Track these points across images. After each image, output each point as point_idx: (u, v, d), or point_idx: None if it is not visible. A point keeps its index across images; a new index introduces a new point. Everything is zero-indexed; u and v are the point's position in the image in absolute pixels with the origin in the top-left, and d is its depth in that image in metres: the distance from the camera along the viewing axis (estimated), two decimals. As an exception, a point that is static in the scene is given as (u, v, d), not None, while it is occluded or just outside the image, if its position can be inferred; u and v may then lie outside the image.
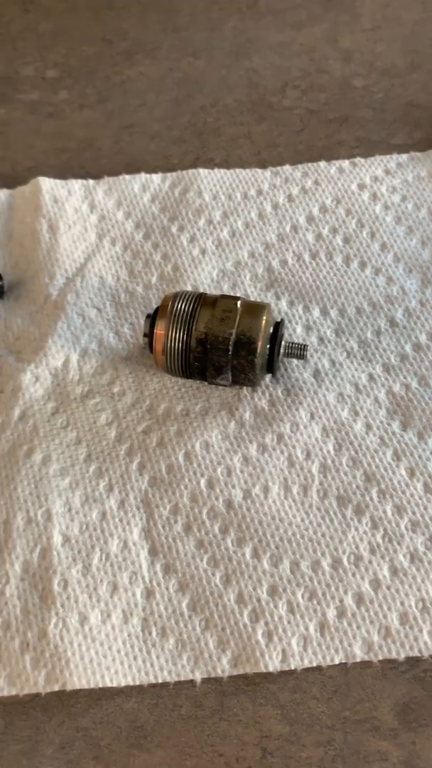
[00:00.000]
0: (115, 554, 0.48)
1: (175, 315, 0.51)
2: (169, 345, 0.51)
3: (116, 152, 0.69)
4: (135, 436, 0.53)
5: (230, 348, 0.50)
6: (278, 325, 0.52)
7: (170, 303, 0.52)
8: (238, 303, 0.51)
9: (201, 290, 0.59)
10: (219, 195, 0.64)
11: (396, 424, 0.52)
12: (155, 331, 0.52)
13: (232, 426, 0.53)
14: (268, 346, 0.51)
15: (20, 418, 0.53)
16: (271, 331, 0.52)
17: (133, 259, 0.61)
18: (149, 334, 0.52)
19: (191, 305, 0.51)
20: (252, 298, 0.58)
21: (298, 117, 0.71)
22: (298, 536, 0.48)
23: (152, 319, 0.52)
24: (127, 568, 0.48)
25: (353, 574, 0.47)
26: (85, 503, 0.50)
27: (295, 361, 0.56)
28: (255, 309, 0.51)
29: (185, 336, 0.51)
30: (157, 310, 0.52)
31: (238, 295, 0.57)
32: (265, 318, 0.51)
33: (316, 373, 0.55)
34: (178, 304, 0.51)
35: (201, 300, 0.52)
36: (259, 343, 0.50)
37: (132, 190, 0.65)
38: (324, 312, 0.58)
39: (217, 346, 0.50)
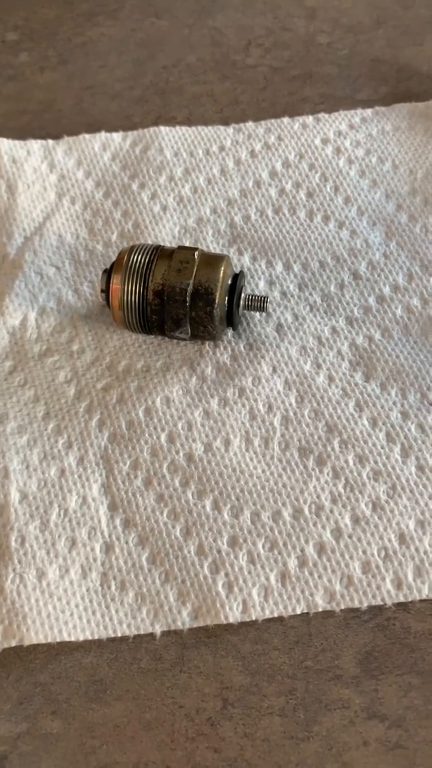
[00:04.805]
0: (73, 510, 0.47)
1: (130, 268, 0.50)
2: (125, 299, 0.50)
3: (77, 113, 0.68)
4: (94, 394, 0.52)
5: (188, 299, 0.49)
6: (237, 277, 0.51)
7: (126, 256, 0.50)
8: (196, 254, 0.50)
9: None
10: (180, 152, 0.63)
11: (359, 376, 0.52)
12: (111, 285, 0.51)
13: (193, 381, 0.52)
14: (226, 297, 0.51)
15: (-23, 377, 0.52)
16: (230, 282, 0.51)
17: (93, 218, 0.60)
18: (106, 289, 0.51)
19: (148, 257, 0.50)
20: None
21: (261, 74, 0.70)
22: (258, 487, 0.48)
23: (108, 273, 0.51)
24: (85, 524, 0.47)
25: (314, 524, 0.46)
26: (44, 460, 0.49)
27: (257, 315, 0.55)
28: (213, 260, 0.50)
29: (142, 289, 0.50)
30: (113, 264, 0.51)
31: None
32: (223, 269, 0.50)
33: (279, 327, 0.54)
34: (134, 256, 0.50)
35: (158, 252, 0.51)
36: (217, 294, 0.49)
37: (92, 149, 0.63)
38: (287, 266, 0.57)
39: (174, 298, 0.49)
